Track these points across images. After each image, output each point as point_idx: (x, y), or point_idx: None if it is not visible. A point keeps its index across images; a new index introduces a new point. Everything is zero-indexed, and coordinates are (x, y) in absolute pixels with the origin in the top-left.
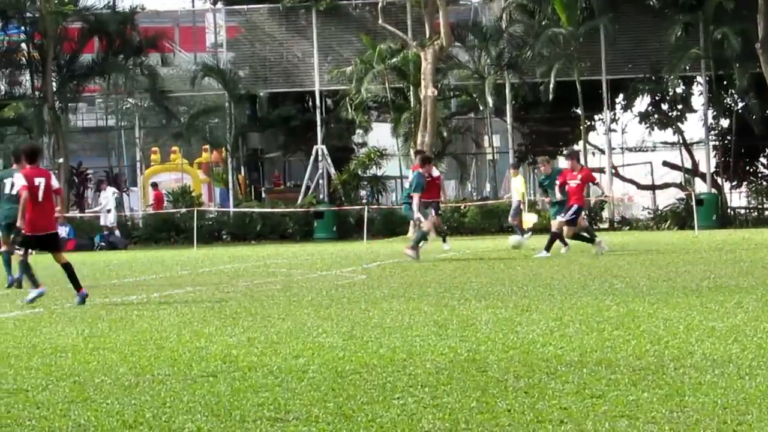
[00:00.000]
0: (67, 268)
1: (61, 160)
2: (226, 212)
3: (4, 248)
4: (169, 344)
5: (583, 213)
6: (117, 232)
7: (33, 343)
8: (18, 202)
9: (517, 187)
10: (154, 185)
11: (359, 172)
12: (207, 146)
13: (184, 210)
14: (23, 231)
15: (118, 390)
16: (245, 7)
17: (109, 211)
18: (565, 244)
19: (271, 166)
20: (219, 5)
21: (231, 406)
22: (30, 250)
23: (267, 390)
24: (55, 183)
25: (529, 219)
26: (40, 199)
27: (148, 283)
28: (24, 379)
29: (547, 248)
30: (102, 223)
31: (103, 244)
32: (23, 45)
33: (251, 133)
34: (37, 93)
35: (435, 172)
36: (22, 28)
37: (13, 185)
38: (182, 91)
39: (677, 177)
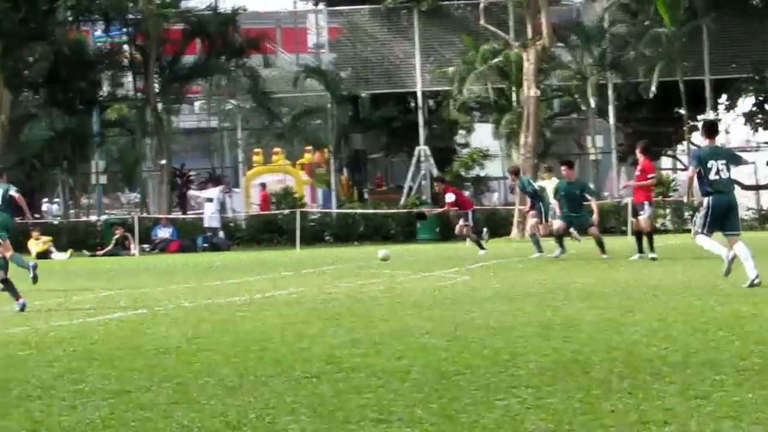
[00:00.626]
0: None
1: (163, 162)
2: (329, 213)
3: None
4: (273, 345)
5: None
6: (221, 234)
7: (137, 344)
8: (6, 211)
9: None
10: (263, 185)
11: (462, 173)
12: (309, 147)
13: (287, 211)
14: None
15: (222, 391)
16: (347, 8)
17: (210, 200)
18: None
19: (373, 167)
20: (320, 6)
21: (334, 407)
22: None
23: (370, 391)
24: None
25: (556, 222)
26: None
27: (251, 284)
28: (128, 381)
29: (651, 248)
30: (206, 224)
31: (206, 245)
32: (125, 47)
33: (353, 134)
34: (139, 94)
35: (450, 198)
36: (125, 29)
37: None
38: (284, 92)
39: None
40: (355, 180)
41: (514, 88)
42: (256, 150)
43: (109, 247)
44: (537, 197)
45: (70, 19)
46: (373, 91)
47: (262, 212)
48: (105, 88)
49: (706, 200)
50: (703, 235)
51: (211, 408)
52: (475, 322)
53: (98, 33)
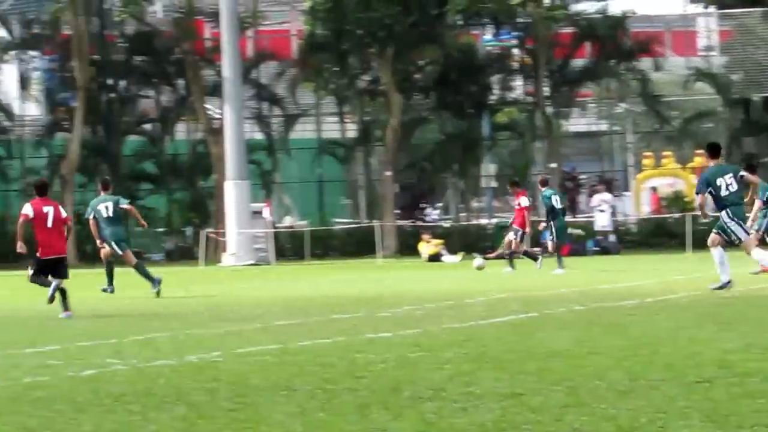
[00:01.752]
0: (63, 291)
1: (553, 165)
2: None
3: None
4: (664, 349)
5: None
6: (611, 237)
7: (527, 347)
8: (118, 224)
9: None
10: (654, 189)
11: None
12: (700, 150)
13: (677, 215)
14: (38, 255)
15: (612, 395)
16: (738, 11)
17: (602, 210)
18: None
19: (765, 171)
20: (711, 9)
21: (728, 412)
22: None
23: (764, 396)
24: (62, 212)
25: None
26: (49, 224)
27: (640, 287)
28: (518, 383)
29: None
30: (597, 228)
31: (596, 248)
32: (515, 50)
33: (745, 137)
34: (529, 98)
35: (525, 202)
36: (514, 33)
37: (107, 208)
38: (674, 96)
39: None
40: None
41: None
42: (646, 153)
43: (500, 250)
44: (553, 212)
45: (460, 23)
46: (765, 94)
47: (652, 216)
48: (495, 92)
49: (724, 213)
50: (754, 239)
51: (602, 411)
52: None
53: (487, 37)
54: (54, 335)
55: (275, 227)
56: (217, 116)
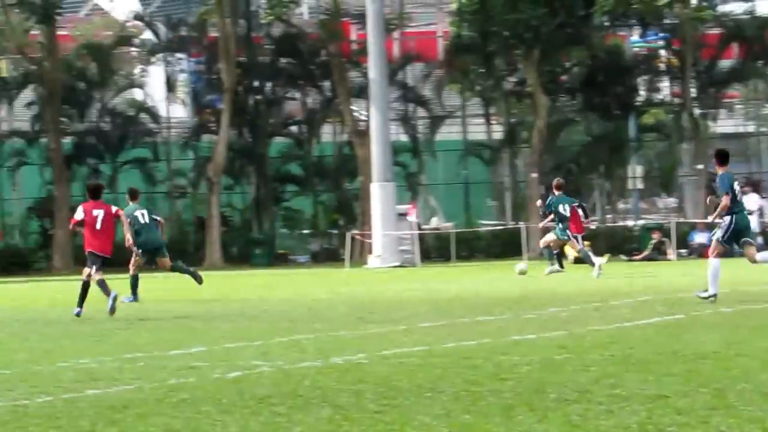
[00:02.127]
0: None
1: (700, 167)
2: None
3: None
4: None
5: None
6: (759, 239)
7: (674, 349)
8: (155, 230)
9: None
10: None
11: None
12: None
13: None
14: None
15: (759, 397)
16: None
17: (750, 213)
18: None
19: None
20: None
21: None
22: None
23: None
24: (113, 209)
25: None
26: (98, 227)
27: None
28: (664, 385)
29: None
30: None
31: (741, 251)
32: (662, 51)
33: None
34: (676, 99)
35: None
36: (661, 34)
37: (143, 215)
38: None
39: None
40: None
41: None
42: None
43: (647, 252)
44: (559, 216)
45: (607, 24)
46: None
47: None
48: (642, 93)
49: (728, 218)
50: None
51: (748, 414)
52: None
53: (634, 38)
54: (199, 337)
55: (421, 229)
56: (363, 118)
